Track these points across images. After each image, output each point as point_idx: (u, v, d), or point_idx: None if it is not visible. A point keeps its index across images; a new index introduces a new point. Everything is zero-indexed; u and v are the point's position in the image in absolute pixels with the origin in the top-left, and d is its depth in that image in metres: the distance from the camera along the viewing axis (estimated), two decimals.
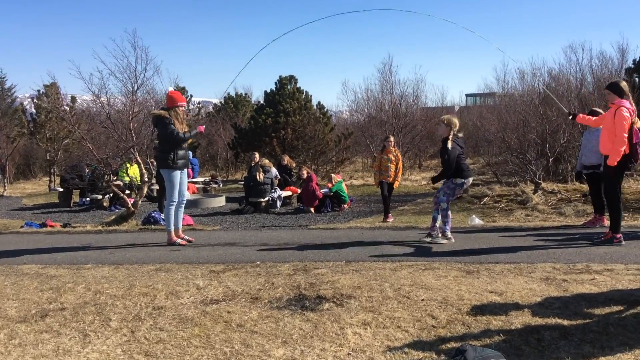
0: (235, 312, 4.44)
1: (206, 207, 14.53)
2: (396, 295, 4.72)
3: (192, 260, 6.59)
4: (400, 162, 10.92)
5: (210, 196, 16.30)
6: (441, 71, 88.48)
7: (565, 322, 3.94)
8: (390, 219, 10.45)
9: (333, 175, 14.82)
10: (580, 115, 7.74)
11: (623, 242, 6.68)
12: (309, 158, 21.92)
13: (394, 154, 10.74)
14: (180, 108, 7.79)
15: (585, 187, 11.79)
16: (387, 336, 3.87)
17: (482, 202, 11.99)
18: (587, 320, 3.97)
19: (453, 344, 3.65)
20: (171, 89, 9.21)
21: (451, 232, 7.43)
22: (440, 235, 7.36)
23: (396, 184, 10.87)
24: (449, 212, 7.46)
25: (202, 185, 18.39)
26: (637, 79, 18.34)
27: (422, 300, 4.57)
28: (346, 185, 15.22)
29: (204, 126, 8.03)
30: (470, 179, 7.57)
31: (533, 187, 12.20)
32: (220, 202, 15.16)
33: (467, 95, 49.67)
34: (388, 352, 3.61)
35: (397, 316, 4.22)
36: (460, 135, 7.60)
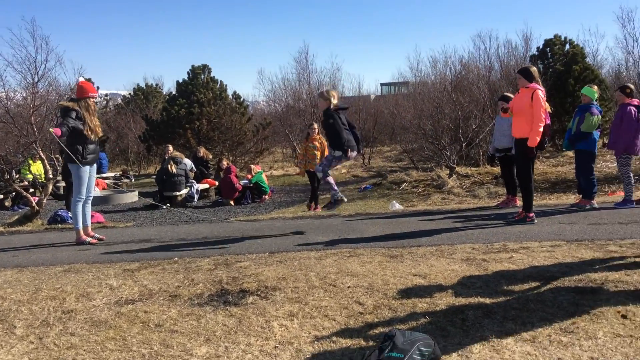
0: (152, 312, 4.19)
1: (118, 203, 13.89)
2: (322, 284, 4.63)
3: (104, 260, 6.19)
4: (327, 149, 10.72)
5: (122, 192, 15.59)
6: (357, 60, 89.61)
7: (488, 301, 4.00)
8: (318, 210, 10.33)
9: (252, 166, 14.61)
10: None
11: (535, 221, 6.96)
12: (225, 149, 21.50)
13: (319, 141, 10.55)
14: (92, 99, 7.30)
15: (497, 169, 12.32)
16: (314, 326, 3.77)
17: (400, 188, 12.23)
18: (508, 298, 4.05)
19: (381, 330, 3.61)
20: (82, 79, 8.66)
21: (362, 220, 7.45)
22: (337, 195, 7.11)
23: None
24: (329, 177, 7.08)
25: (113, 181, 17.54)
26: (540, 66, 19.34)
27: (349, 287, 4.51)
28: (266, 175, 15.04)
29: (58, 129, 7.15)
30: (354, 153, 7.12)
31: (448, 172, 12.59)
32: (132, 197, 14.53)
33: (382, 84, 50.81)
34: (316, 342, 3.51)
35: (324, 305, 4.13)
36: (342, 110, 7.17)
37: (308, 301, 4.24)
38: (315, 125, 10.78)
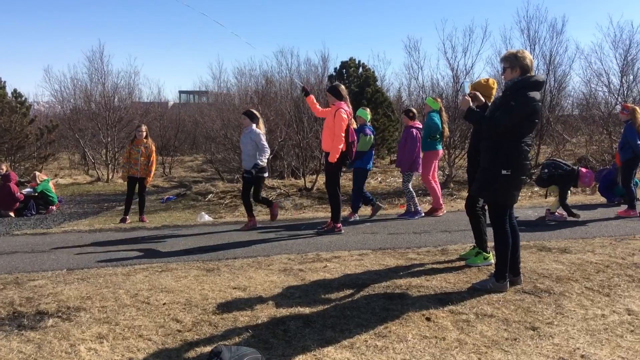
0: None
1: None
2: (134, 302, 4.29)
3: None
4: (154, 155, 9.79)
5: None
6: (158, 65, 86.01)
7: (307, 311, 4.07)
8: (128, 221, 9.41)
9: (37, 173, 13.10)
10: (312, 97, 7.81)
11: (343, 231, 7.34)
12: (3, 154, 19.02)
13: (146, 145, 9.61)
14: None
15: (300, 182, 12.80)
16: (127, 348, 3.47)
17: (207, 199, 12.00)
18: (326, 306, 4.17)
19: (202, 347, 3.46)
20: None
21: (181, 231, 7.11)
22: None
23: (148, 179, 9.73)
24: None
25: None
26: None
27: (164, 304, 4.25)
28: (53, 184, 13.58)
29: None
30: None
31: None
32: None
33: (180, 92, 49.86)
34: None
35: (138, 324, 3.83)
36: None
37: (119, 321, 3.90)
38: (144, 128, 9.82)
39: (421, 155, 8.68)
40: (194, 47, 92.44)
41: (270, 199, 8.64)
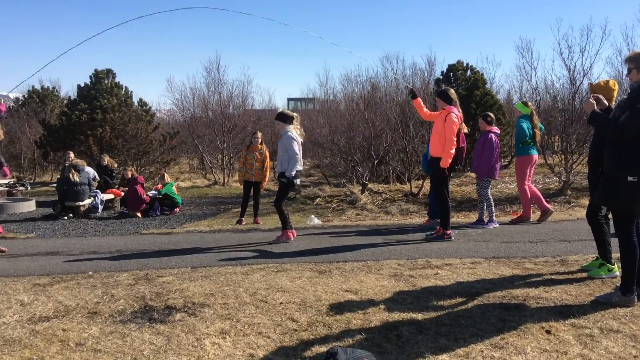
0: (72, 330, 3.88)
1: (13, 212, 12.82)
2: (253, 300, 4.51)
3: (10, 273, 5.68)
4: (268, 160, 10.25)
5: (17, 200, 14.43)
6: (269, 74, 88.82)
7: (420, 317, 4.07)
8: (243, 222, 9.87)
9: (165, 173, 14.08)
10: (419, 99, 7.66)
11: (453, 238, 7.22)
12: (130, 158, 20.58)
13: (261, 151, 10.04)
14: None
15: (406, 187, 12.73)
16: (248, 344, 3.65)
17: (314, 203, 12.25)
18: (439, 313, 4.14)
19: (317, 347, 3.56)
20: None
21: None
22: None
23: (263, 184, 10.17)
24: None
25: (7, 188, 16.21)
26: None
27: (281, 303, 4.43)
28: (176, 187, 14.50)
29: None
30: None
31: (360, 188, 12.78)
32: (29, 206, 13.49)
33: (289, 99, 51.19)
34: None
35: (257, 322, 4.03)
36: None
37: (240, 318, 4.12)
38: (259, 135, 10.26)
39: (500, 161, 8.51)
40: (301, 56, 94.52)
41: (289, 222, 7.61)
